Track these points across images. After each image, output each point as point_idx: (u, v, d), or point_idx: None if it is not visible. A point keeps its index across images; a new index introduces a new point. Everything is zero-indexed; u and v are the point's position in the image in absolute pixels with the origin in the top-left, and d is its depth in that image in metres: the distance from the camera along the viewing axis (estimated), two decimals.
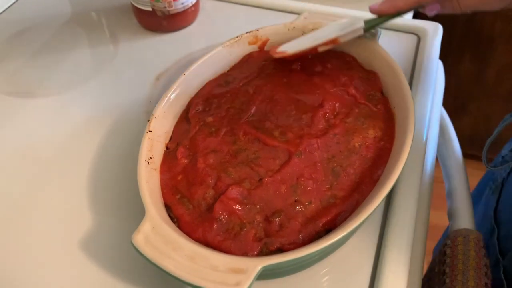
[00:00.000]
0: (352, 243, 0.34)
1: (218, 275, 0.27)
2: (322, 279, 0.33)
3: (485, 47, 1.07)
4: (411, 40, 0.50)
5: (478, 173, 1.39)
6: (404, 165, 0.36)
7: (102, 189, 0.38)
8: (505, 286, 0.43)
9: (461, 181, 0.45)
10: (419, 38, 0.50)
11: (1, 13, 0.55)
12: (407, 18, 0.53)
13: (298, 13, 0.46)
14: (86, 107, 0.45)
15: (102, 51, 0.51)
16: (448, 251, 0.40)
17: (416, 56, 0.48)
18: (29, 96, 0.46)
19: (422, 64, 0.46)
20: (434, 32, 0.49)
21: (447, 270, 0.39)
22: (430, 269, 0.43)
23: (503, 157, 0.50)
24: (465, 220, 0.42)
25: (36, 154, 0.41)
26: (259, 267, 0.27)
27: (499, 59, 1.07)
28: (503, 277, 0.43)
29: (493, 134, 0.45)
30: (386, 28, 0.50)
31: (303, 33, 0.43)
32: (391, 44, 0.48)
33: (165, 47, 0.51)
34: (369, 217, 0.32)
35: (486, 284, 0.38)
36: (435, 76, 0.45)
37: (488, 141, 0.46)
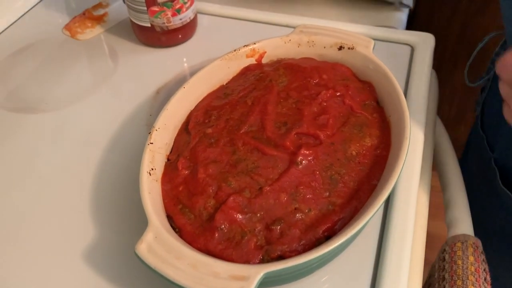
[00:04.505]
0: (352, 250, 0.34)
1: (220, 282, 0.27)
2: (323, 286, 0.33)
3: (478, 58, 1.09)
4: (405, 51, 0.51)
5: None
6: (401, 172, 0.37)
7: (104, 201, 0.38)
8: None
9: (459, 188, 0.46)
10: (412, 49, 0.51)
11: (1, 33, 0.56)
12: (401, 30, 0.54)
13: (293, 27, 0.47)
14: (87, 121, 0.45)
15: (102, 67, 0.52)
16: (447, 256, 0.41)
17: (410, 66, 0.49)
18: (30, 112, 0.47)
19: (416, 73, 0.47)
20: (427, 43, 0.50)
21: (446, 276, 0.39)
22: (430, 275, 0.44)
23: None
24: (463, 226, 0.43)
25: (38, 168, 0.41)
26: (261, 274, 0.27)
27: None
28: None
29: (475, 50, 0.50)
30: (380, 40, 0.52)
31: (299, 45, 0.44)
32: (386, 55, 0.49)
33: (164, 62, 0.52)
34: (367, 223, 0.32)
35: None
36: (429, 85, 0.46)
37: (472, 57, 0.49)
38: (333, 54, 0.44)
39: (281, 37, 0.45)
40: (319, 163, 0.35)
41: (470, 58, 0.50)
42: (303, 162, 0.34)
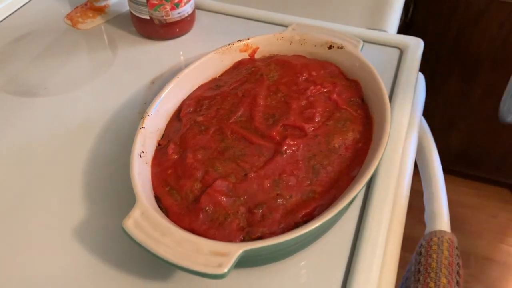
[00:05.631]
0: (330, 238, 0.36)
1: (202, 257, 0.29)
2: (301, 270, 0.35)
3: (471, 67, 1.11)
4: (394, 53, 0.53)
5: (466, 191, 1.41)
6: (382, 166, 0.38)
7: (96, 182, 0.40)
8: None
9: (439, 186, 0.48)
10: (401, 52, 0.53)
11: (4, 19, 0.58)
12: (392, 33, 0.56)
13: (287, 26, 0.48)
14: (83, 107, 0.47)
15: (101, 56, 0.54)
16: (423, 250, 0.43)
17: (398, 68, 0.50)
18: (30, 96, 0.48)
19: (403, 74, 0.49)
20: (416, 47, 0.52)
21: (421, 269, 0.41)
22: (408, 270, 0.45)
23: None
24: (441, 223, 0.45)
25: (34, 148, 0.43)
26: (240, 251, 0.29)
27: (485, 78, 1.11)
28: None
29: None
30: (371, 42, 0.53)
31: (291, 43, 0.46)
32: (376, 57, 0.52)
33: (161, 54, 0.54)
34: (345, 210, 0.34)
35: (457, 282, 0.40)
36: (415, 86, 0.48)
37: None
38: (323, 53, 0.45)
39: (274, 34, 0.46)
40: (302, 153, 0.36)
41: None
42: (288, 151, 0.36)
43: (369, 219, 0.36)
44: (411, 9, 1.08)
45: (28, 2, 0.60)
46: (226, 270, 0.28)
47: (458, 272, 0.41)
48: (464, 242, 1.27)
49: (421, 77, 0.54)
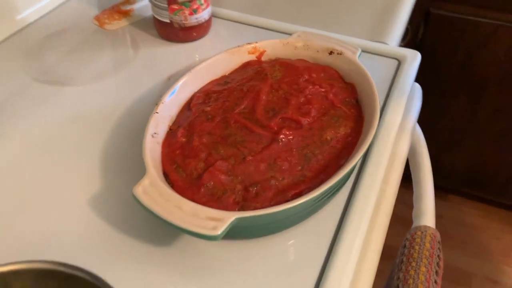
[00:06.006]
0: (317, 219, 0.40)
1: (199, 221, 0.33)
2: (289, 247, 0.39)
3: (479, 88, 1.14)
4: (392, 63, 0.57)
5: (471, 211, 1.42)
6: (371, 159, 0.42)
7: (113, 158, 0.45)
8: None
9: (429, 186, 0.51)
10: (399, 63, 0.57)
11: (42, 16, 0.64)
12: (391, 46, 0.60)
13: None
14: (105, 96, 0.52)
15: (123, 54, 0.59)
16: (407, 243, 0.46)
17: (395, 77, 0.55)
18: (59, 85, 0.54)
19: (398, 82, 0.53)
20: (413, 58, 0.56)
21: (404, 259, 0.44)
22: (393, 263, 0.49)
23: None
24: (427, 219, 0.48)
25: (61, 127, 0.48)
26: (233, 218, 0.33)
27: (492, 100, 1.14)
28: None
29: None
30: (373, 53, 0.58)
31: (295, 48, 0.51)
32: (376, 66, 0.56)
33: (178, 55, 0.59)
34: (331, 193, 0.38)
35: (437, 272, 0.43)
36: (408, 93, 0.52)
37: None
38: (324, 58, 0.50)
39: (280, 40, 0.51)
40: (297, 142, 0.41)
41: None
42: (284, 140, 0.40)
43: (354, 205, 0.40)
44: (421, 29, 1.13)
45: (62, 3, 0.67)
46: (219, 232, 0.32)
47: (438, 264, 0.44)
48: (468, 263, 1.27)
49: (418, 87, 0.58)
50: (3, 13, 0.60)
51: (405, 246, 0.46)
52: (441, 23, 1.09)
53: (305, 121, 0.42)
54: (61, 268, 0.28)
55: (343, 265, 0.36)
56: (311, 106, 0.44)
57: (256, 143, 0.41)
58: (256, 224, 0.36)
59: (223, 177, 0.38)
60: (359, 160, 0.38)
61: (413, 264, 0.43)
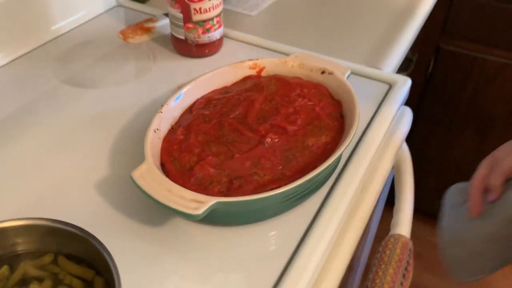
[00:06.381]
0: (295, 215, 0.44)
1: (184, 202, 0.38)
2: (271, 238, 0.43)
3: (486, 124, 1.16)
4: (383, 87, 0.62)
5: None
6: (350, 165, 0.47)
7: (121, 151, 0.51)
8: None
9: (408, 201, 0.55)
10: (390, 87, 0.62)
11: (74, 28, 0.73)
12: (385, 71, 0.65)
13: None
14: (123, 98, 0.59)
15: (143, 65, 0.66)
16: (380, 249, 0.49)
17: (384, 99, 0.59)
18: (84, 88, 0.61)
19: (386, 104, 0.58)
20: (403, 83, 0.61)
21: (376, 263, 0.48)
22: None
23: None
24: (401, 229, 0.51)
25: (82, 123, 0.55)
26: (214, 201, 0.38)
27: (499, 135, 1.16)
28: None
29: None
30: (366, 77, 0.63)
31: (292, 66, 0.56)
32: (367, 88, 0.61)
33: (191, 68, 0.66)
34: (306, 190, 0.43)
35: (404, 275, 0.46)
36: (394, 114, 0.56)
37: None
38: (316, 76, 0.55)
39: (279, 58, 0.57)
40: (281, 145, 0.46)
41: None
42: (269, 142, 0.46)
43: (328, 204, 0.44)
44: (431, 66, 1.17)
45: (93, 18, 0.75)
46: (200, 212, 0.37)
47: (406, 268, 0.47)
48: None
49: (408, 110, 0.63)
50: (40, 23, 0.68)
51: (379, 251, 0.50)
52: (451, 58, 1.13)
53: (291, 128, 0.47)
54: (62, 226, 0.33)
55: (305, 263, 0.40)
56: (298, 116, 0.49)
57: (245, 143, 0.46)
58: (234, 210, 0.40)
59: (212, 170, 0.43)
60: (332, 163, 0.43)
61: (383, 266, 0.47)
